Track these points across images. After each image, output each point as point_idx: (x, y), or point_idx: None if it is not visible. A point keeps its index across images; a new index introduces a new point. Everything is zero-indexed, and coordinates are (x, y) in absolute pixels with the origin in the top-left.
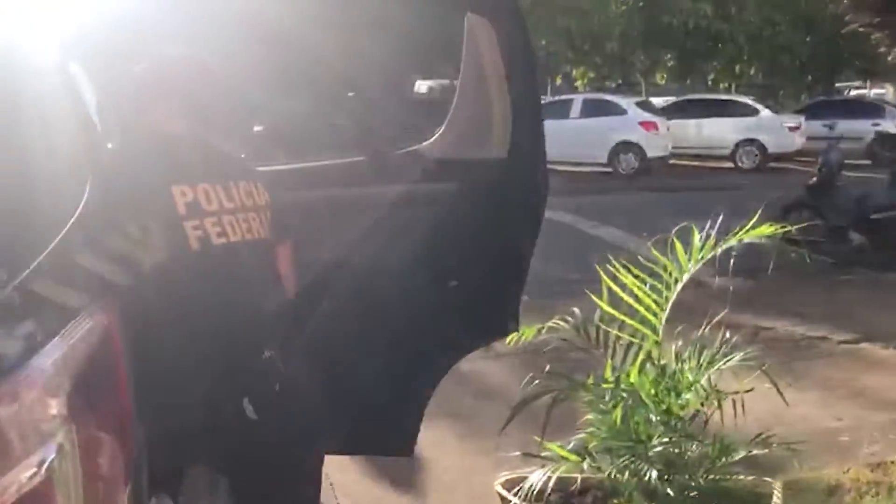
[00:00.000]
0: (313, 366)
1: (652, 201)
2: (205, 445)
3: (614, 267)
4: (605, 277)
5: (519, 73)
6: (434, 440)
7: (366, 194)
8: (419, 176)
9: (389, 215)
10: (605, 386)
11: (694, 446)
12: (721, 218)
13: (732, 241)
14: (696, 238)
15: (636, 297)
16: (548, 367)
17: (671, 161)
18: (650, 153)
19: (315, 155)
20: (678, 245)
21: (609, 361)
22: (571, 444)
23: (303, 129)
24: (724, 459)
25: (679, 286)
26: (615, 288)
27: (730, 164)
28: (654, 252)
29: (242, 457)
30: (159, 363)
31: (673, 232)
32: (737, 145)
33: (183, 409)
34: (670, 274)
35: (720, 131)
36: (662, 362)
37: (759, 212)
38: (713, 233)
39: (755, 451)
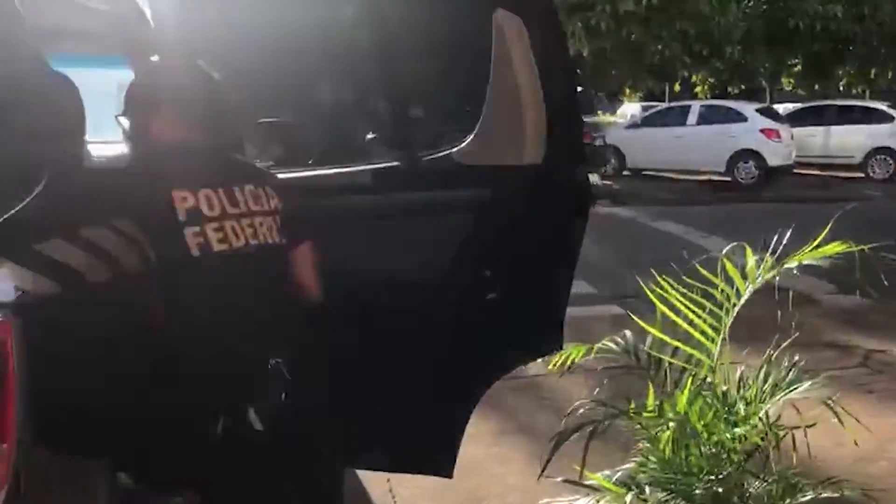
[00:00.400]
0: (336, 376)
1: (770, 211)
2: (201, 464)
3: (666, 284)
4: (653, 297)
5: (554, 75)
6: (473, 462)
7: (397, 200)
8: (451, 182)
9: (421, 223)
10: (645, 415)
11: (756, 483)
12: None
13: (793, 263)
14: (751, 258)
15: (691, 319)
16: (596, 391)
17: (795, 170)
18: (771, 161)
19: (350, 159)
20: (728, 265)
21: (651, 388)
22: (618, 475)
23: (338, 132)
24: (787, 501)
25: (736, 309)
26: (664, 309)
27: (860, 174)
28: (702, 270)
29: (248, 473)
30: (157, 370)
31: (724, 251)
32: (868, 154)
33: (180, 421)
34: (726, 295)
35: (850, 139)
36: (722, 388)
37: None
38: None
39: (825, 495)
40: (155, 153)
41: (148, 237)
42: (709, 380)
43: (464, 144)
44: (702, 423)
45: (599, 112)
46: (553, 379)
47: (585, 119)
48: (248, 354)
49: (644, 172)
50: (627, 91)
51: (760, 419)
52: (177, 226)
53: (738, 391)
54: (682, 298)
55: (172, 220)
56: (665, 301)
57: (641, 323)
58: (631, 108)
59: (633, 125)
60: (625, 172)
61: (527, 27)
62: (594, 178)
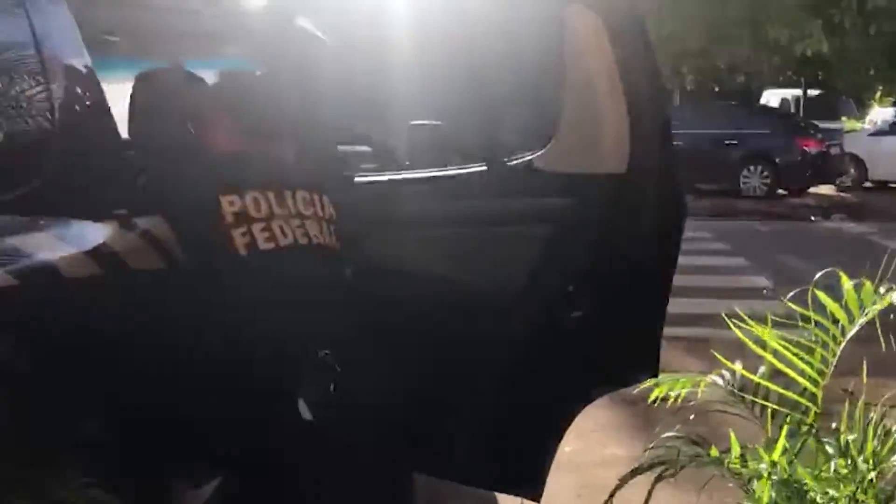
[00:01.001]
0: (404, 377)
1: None
2: (248, 450)
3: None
4: (740, 335)
5: (637, 77)
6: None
7: (483, 206)
8: (532, 190)
9: (503, 230)
10: (732, 465)
11: None
12: None
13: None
14: (848, 286)
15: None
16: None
17: None
18: None
19: (441, 162)
20: (823, 297)
21: (732, 436)
22: None
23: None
24: None
25: (840, 347)
26: (754, 348)
27: None
28: (792, 305)
29: (294, 461)
30: (208, 363)
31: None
32: None
33: (229, 408)
34: (828, 331)
35: None
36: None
37: None
38: None
39: None
40: (209, 158)
41: (191, 238)
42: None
43: (544, 150)
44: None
45: (844, 117)
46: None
47: (824, 125)
48: (295, 344)
49: (890, 185)
50: (878, 94)
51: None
52: (224, 227)
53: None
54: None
55: (220, 223)
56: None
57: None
58: (882, 114)
59: (879, 132)
60: (866, 184)
61: (604, 23)
62: (829, 189)
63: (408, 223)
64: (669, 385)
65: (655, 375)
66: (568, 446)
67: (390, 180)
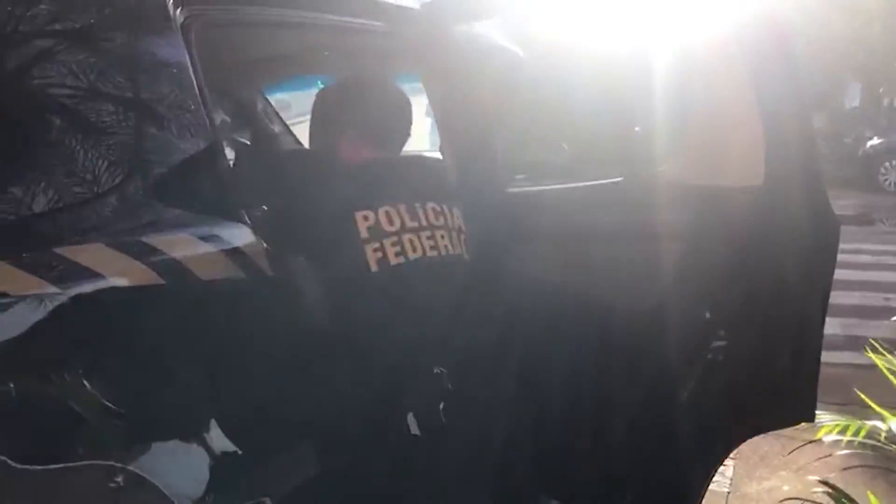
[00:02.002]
0: (519, 399)
1: None
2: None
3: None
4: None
5: (773, 84)
6: None
7: (616, 219)
8: (664, 202)
9: (629, 246)
10: None
11: None
12: None
13: None
14: None
15: None
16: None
17: None
18: None
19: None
20: None
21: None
22: None
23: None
24: None
25: None
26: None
27: None
28: None
29: (404, 479)
30: (326, 373)
31: None
32: None
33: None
34: None
35: None
36: None
37: None
38: None
39: None
40: (342, 173)
41: (329, 255)
42: None
43: (676, 160)
44: None
45: None
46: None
47: None
48: (415, 360)
49: None
50: None
51: None
52: (359, 244)
53: None
54: None
55: (354, 238)
56: None
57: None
58: None
59: None
60: None
61: (736, 37)
62: None
63: (546, 235)
64: (828, 429)
65: (811, 419)
66: None
67: (536, 192)
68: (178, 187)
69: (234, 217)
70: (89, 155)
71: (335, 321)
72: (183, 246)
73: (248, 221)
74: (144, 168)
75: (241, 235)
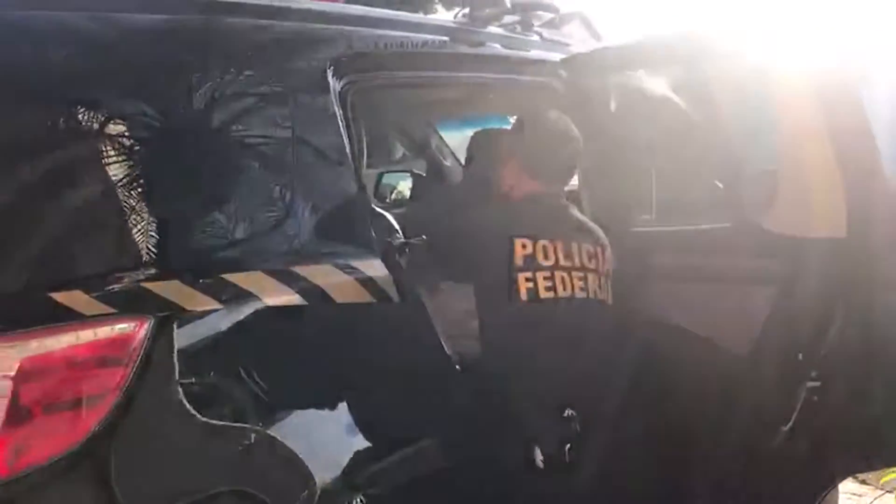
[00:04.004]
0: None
1: None
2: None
3: None
4: None
5: (847, 137)
6: None
7: (722, 264)
8: (762, 249)
9: (732, 288)
10: None
11: None
12: None
13: None
14: None
15: None
16: None
17: None
18: None
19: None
20: None
21: None
22: None
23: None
24: None
25: None
26: None
27: None
28: None
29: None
30: (459, 397)
31: None
32: None
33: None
34: None
35: None
36: None
37: None
38: None
39: None
40: (505, 203)
41: (484, 276)
42: None
43: (770, 210)
44: None
45: None
46: None
47: None
48: (549, 397)
49: None
50: None
51: None
52: (513, 270)
53: None
54: None
55: (510, 265)
56: None
57: None
58: None
59: None
60: None
61: (813, 88)
62: None
63: (661, 275)
64: None
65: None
66: None
67: (656, 232)
68: (324, 225)
69: (368, 250)
70: (256, 197)
71: (473, 343)
72: (323, 274)
73: (381, 255)
74: (298, 208)
75: (373, 266)
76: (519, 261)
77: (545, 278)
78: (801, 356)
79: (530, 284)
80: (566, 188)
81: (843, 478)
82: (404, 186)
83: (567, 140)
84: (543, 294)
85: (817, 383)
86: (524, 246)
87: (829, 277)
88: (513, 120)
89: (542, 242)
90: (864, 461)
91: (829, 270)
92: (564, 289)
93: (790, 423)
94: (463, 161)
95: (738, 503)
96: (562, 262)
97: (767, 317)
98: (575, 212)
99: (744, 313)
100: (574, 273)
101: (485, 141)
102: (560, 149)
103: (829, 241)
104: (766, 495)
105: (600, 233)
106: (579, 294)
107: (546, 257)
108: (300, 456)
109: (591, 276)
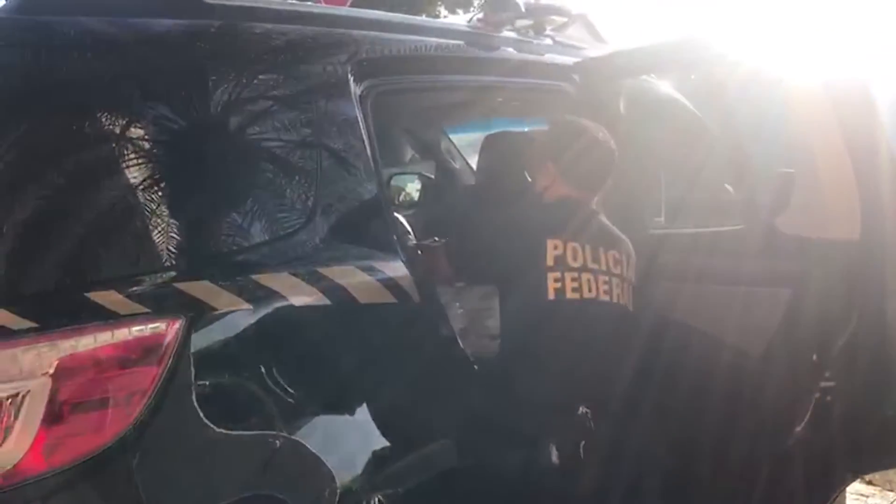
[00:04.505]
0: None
1: None
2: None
3: None
4: None
5: (861, 143)
6: None
7: (737, 266)
8: (776, 251)
9: (746, 289)
10: None
11: None
12: None
13: None
14: None
15: None
16: None
17: None
18: None
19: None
20: None
21: None
22: None
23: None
24: None
25: None
26: None
27: None
28: None
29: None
30: (482, 392)
31: None
32: None
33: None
34: None
35: None
36: None
37: None
38: None
39: None
40: (539, 204)
41: (515, 272)
42: None
43: (786, 213)
44: None
45: None
46: None
47: None
48: (565, 394)
49: None
50: None
51: None
52: (543, 269)
53: None
54: None
55: (542, 263)
56: None
57: None
58: None
59: None
60: None
61: (826, 91)
62: None
63: (677, 276)
64: None
65: None
66: None
67: (673, 234)
68: (347, 227)
69: (390, 252)
70: (282, 200)
71: (491, 341)
72: (347, 275)
73: (402, 256)
74: (321, 211)
75: (394, 268)
76: (550, 260)
77: (572, 279)
78: (815, 357)
79: (558, 285)
80: (597, 196)
81: (856, 477)
82: (413, 188)
83: (607, 152)
84: (570, 294)
85: (831, 383)
86: (556, 247)
87: (841, 280)
88: (547, 124)
89: (572, 245)
90: (877, 461)
91: (841, 274)
92: (590, 291)
93: (803, 422)
94: (475, 163)
95: (753, 501)
96: (589, 264)
97: (782, 318)
98: (604, 219)
99: (759, 314)
100: (600, 276)
101: (506, 143)
102: (599, 159)
103: (843, 242)
104: (780, 493)
105: (627, 242)
106: (603, 298)
107: (575, 259)
108: (319, 454)
109: (615, 281)
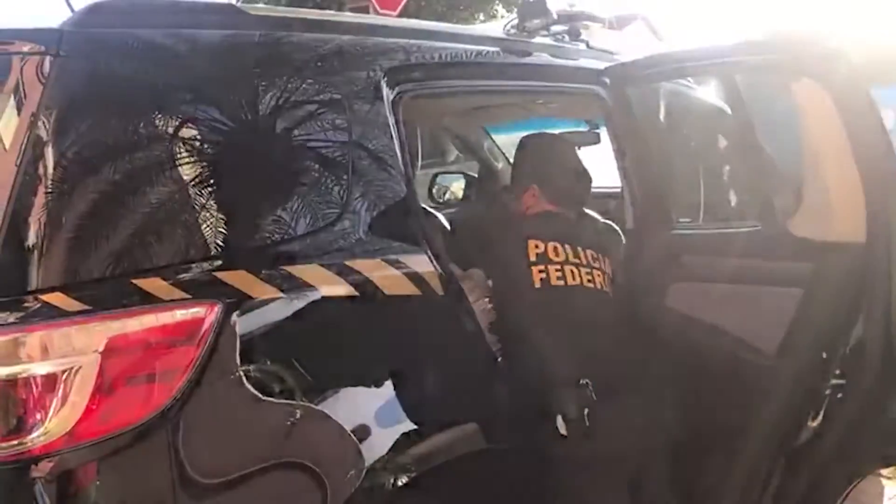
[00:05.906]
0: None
1: None
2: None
3: None
4: None
5: (870, 145)
6: None
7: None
8: (787, 252)
9: (759, 289)
10: None
11: None
12: None
13: None
14: None
15: None
16: None
17: None
18: None
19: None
20: None
21: None
22: None
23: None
24: None
25: None
26: None
27: None
28: None
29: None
30: (491, 375)
31: None
32: None
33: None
34: None
35: None
36: None
37: None
38: None
39: None
40: (522, 214)
41: (504, 270)
42: None
43: (795, 214)
44: None
45: None
46: None
47: None
48: (564, 368)
49: None
50: None
51: None
52: (526, 265)
53: None
54: None
55: (524, 260)
56: None
57: None
58: None
59: None
60: None
61: (830, 94)
62: None
63: (696, 275)
64: None
65: None
66: None
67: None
68: (376, 224)
69: (416, 247)
70: (315, 196)
71: (499, 326)
72: (375, 268)
73: (428, 251)
74: (353, 206)
75: (420, 262)
76: (532, 257)
77: (556, 270)
78: (825, 354)
79: (543, 275)
80: (578, 212)
81: (866, 474)
82: (457, 187)
83: (583, 177)
84: (555, 282)
85: (842, 381)
86: (536, 246)
87: (849, 282)
88: (530, 146)
89: (553, 244)
90: (886, 457)
91: (849, 275)
92: (574, 279)
93: (818, 419)
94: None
95: (767, 497)
96: (570, 259)
97: (793, 317)
98: (585, 225)
99: (772, 313)
100: (582, 268)
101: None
102: (577, 184)
103: (851, 244)
104: (793, 490)
105: (607, 243)
106: (587, 284)
107: (556, 255)
108: (350, 433)
109: (596, 273)
